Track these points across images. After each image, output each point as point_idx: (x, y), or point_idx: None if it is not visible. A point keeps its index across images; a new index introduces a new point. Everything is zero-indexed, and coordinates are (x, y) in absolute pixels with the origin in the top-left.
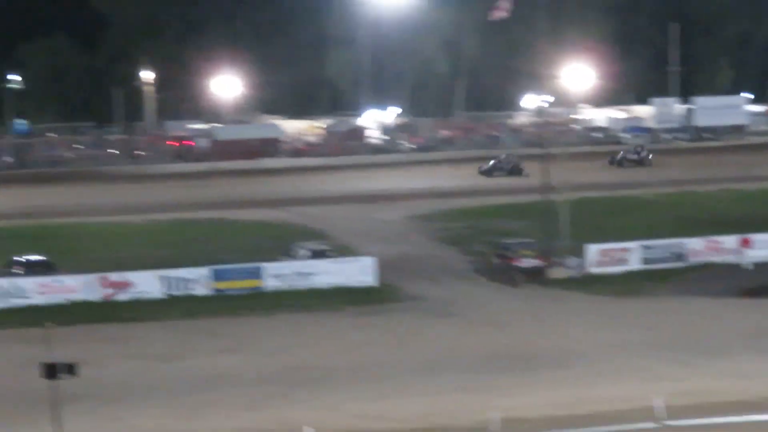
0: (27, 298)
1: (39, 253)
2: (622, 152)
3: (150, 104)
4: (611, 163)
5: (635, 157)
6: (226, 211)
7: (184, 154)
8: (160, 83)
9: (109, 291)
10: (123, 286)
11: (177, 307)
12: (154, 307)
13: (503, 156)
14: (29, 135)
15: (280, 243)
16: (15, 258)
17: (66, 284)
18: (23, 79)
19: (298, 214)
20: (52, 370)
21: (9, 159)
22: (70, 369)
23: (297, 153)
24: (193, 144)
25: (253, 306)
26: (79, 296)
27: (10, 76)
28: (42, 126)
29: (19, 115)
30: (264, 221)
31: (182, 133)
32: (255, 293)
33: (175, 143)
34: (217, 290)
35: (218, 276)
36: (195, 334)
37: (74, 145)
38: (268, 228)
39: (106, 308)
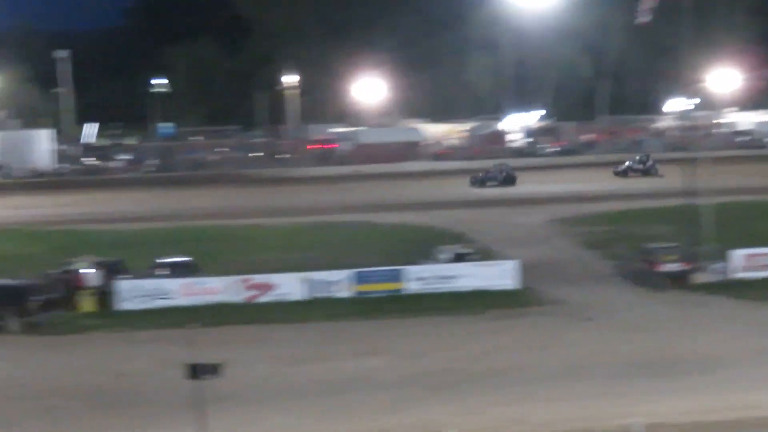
0: (171, 299)
1: (183, 255)
2: (628, 162)
3: (293, 108)
4: (616, 173)
5: (640, 167)
6: (368, 214)
7: (327, 157)
8: (304, 87)
9: (252, 293)
10: (266, 288)
11: (318, 309)
12: (296, 309)
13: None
14: (174, 138)
15: (422, 246)
16: (159, 260)
17: (209, 286)
18: (169, 82)
19: (439, 218)
20: (195, 371)
21: (154, 162)
22: (213, 370)
23: (438, 156)
24: (335, 147)
25: (394, 309)
26: (222, 298)
27: (156, 80)
28: (186, 129)
29: (165, 119)
30: (405, 224)
31: (325, 137)
32: (396, 296)
33: (317, 146)
34: (359, 293)
35: (360, 279)
36: (336, 336)
37: (218, 149)
38: (409, 231)
39: (249, 310)
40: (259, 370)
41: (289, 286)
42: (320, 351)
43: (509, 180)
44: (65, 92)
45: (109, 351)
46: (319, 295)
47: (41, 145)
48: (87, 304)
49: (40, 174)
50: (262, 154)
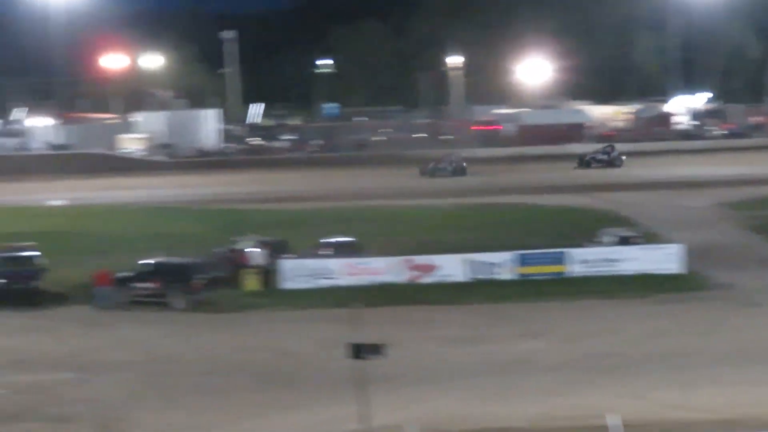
0: (334, 278)
1: (346, 235)
2: (591, 153)
3: (457, 89)
4: (580, 164)
5: (605, 157)
6: (531, 195)
7: (490, 138)
8: (467, 67)
9: (414, 273)
10: (428, 269)
11: (480, 291)
12: (457, 291)
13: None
14: (338, 119)
15: (585, 228)
16: (324, 239)
17: (372, 266)
18: (334, 63)
19: (603, 200)
20: (358, 351)
21: (318, 142)
22: (376, 349)
23: (603, 138)
24: (498, 128)
25: (557, 291)
26: (384, 278)
27: (321, 61)
28: (350, 110)
29: (329, 99)
30: (569, 206)
31: (488, 118)
32: (559, 279)
33: (481, 128)
34: (522, 275)
35: (523, 261)
36: (498, 318)
37: (381, 129)
38: (572, 213)
39: (411, 290)
40: (421, 350)
41: (452, 267)
42: (482, 333)
43: (459, 171)
44: (231, 73)
45: (273, 329)
46: (481, 276)
47: (208, 125)
48: (251, 282)
49: (206, 153)
50: (425, 135)
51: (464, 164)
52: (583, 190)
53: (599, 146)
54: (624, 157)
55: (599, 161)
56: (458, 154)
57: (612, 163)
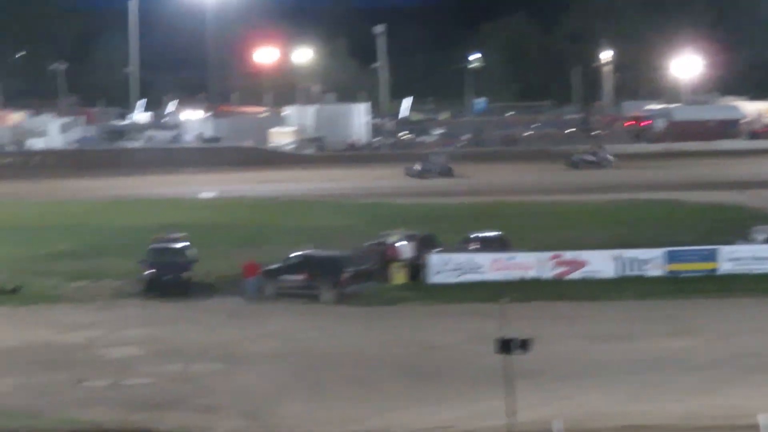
0: (481, 273)
1: (493, 230)
2: (579, 154)
3: (608, 84)
4: (567, 165)
5: (593, 158)
6: (681, 192)
7: (641, 134)
8: (618, 63)
9: (562, 269)
10: (576, 264)
11: (629, 287)
12: (605, 287)
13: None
14: (487, 114)
15: (736, 226)
16: (472, 234)
17: (519, 261)
18: (483, 58)
19: (756, 198)
20: (506, 346)
21: (467, 137)
22: (523, 345)
23: (755, 135)
24: (650, 124)
25: (706, 289)
26: (531, 273)
27: (471, 56)
28: (500, 105)
29: (478, 94)
30: (719, 203)
31: (639, 114)
32: (709, 276)
33: (632, 123)
34: (671, 272)
35: (672, 258)
36: (645, 315)
37: (530, 125)
38: (722, 210)
39: (558, 286)
40: (569, 346)
41: (600, 263)
42: (630, 329)
43: (445, 172)
44: (381, 67)
45: (420, 323)
46: (629, 273)
47: (357, 119)
48: (399, 276)
49: (355, 147)
50: (575, 130)
51: (449, 166)
52: (735, 186)
53: (587, 147)
54: (612, 158)
55: (588, 162)
56: (443, 154)
57: (600, 164)
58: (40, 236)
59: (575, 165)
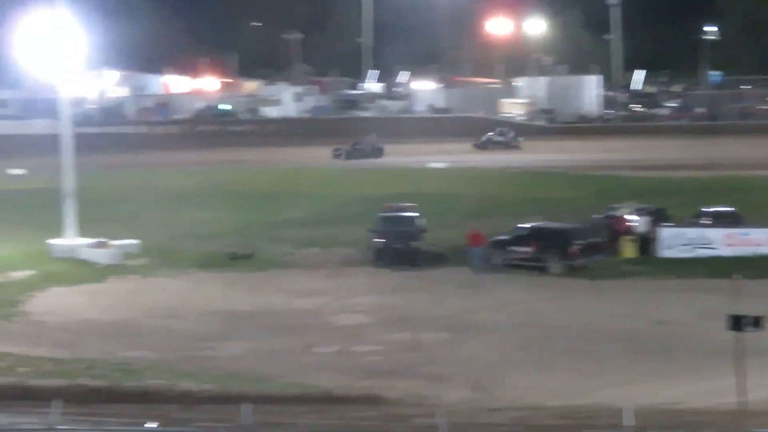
0: (713, 248)
1: (726, 205)
2: (488, 135)
3: None
4: (476, 146)
5: (501, 139)
6: None
7: None
8: None
9: None
10: None
11: None
12: None
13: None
14: (721, 86)
15: None
16: (704, 209)
17: (753, 237)
18: (719, 29)
19: None
20: (738, 322)
21: (701, 110)
22: (756, 322)
23: None
24: None
25: None
26: (765, 250)
27: (706, 27)
28: (735, 78)
29: (713, 67)
30: None
31: None
32: None
33: None
34: None
35: None
36: None
37: (767, 98)
38: None
39: None
40: None
41: None
42: None
43: (376, 152)
44: (615, 38)
45: (649, 298)
46: None
47: (588, 91)
48: (628, 249)
49: (586, 119)
50: None
51: (381, 146)
52: None
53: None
54: (521, 139)
55: (495, 143)
56: (372, 135)
57: (508, 144)
58: (273, 203)
59: (484, 146)
